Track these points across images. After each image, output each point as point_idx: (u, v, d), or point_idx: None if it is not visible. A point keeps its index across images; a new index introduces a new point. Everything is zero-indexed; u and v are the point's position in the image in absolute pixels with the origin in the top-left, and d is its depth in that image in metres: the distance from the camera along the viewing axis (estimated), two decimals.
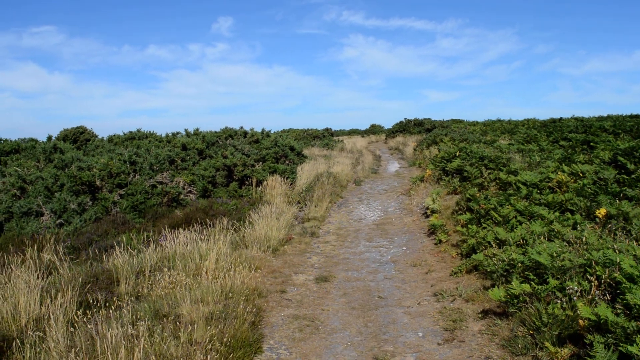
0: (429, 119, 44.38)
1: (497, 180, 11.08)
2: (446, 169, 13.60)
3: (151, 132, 20.77)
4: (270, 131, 21.20)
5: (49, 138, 21.20)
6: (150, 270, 7.30)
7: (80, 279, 6.96)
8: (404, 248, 9.38)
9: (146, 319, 5.21)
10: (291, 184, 14.89)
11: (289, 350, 5.35)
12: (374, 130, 64.34)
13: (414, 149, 27.27)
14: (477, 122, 43.01)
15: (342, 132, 67.80)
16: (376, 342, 5.46)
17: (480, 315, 5.79)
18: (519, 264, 5.98)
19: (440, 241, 9.16)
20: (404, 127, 43.94)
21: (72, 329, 5.36)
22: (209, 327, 5.18)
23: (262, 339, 5.62)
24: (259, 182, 14.24)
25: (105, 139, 21.61)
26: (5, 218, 10.80)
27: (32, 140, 17.02)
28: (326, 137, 42.09)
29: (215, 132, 19.48)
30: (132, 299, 6.44)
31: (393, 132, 44.88)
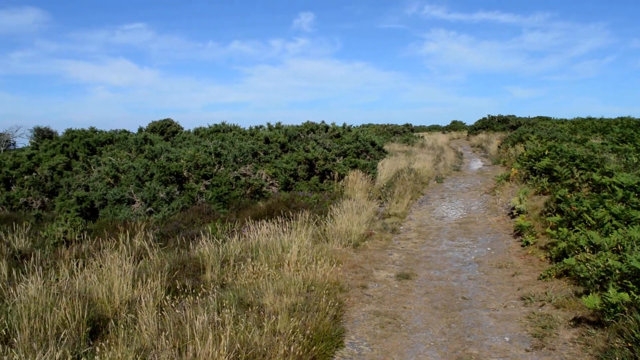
0: (513, 115, 42.89)
1: (590, 182, 10.52)
2: (534, 168, 13.07)
3: (235, 125, 21.27)
4: (351, 126, 21.18)
5: (140, 130, 22.17)
6: (234, 260, 7.46)
7: (169, 265, 7.23)
8: (489, 248, 9.09)
9: (231, 307, 5.32)
10: (372, 179, 14.81)
11: (370, 347, 5.30)
12: (455, 126, 63.00)
13: (498, 147, 26.44)
14: (566, 120, 41.10)
15: (422, 128, 66.83)
16: (460, 344, 5.32)
17: (571, 323, 5.51)
18: (617, 271, 5.64)
19: (527, 243, 8.80)
20: (487, 124, 42.71)
21: (161, 313, 5.58)
22: (291, 319, 5.22)
23: (343, 333, 5.61)
24: (340, 177, 14.26)
25: (191, 131, 22.33)
26: (100, 204, 11.39)
27: (124, 131, 17.86)
28: (406, 133, 41.63)
29: (297, 126, 19.69)
30: (217, 287, 6.61)
31: (475, 129, 43.71)
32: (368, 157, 17.34)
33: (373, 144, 18.67)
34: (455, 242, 9.66)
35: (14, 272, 7.29)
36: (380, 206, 13.02)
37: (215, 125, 21.23)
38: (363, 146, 17.34)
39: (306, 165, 14.56)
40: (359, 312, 6.28)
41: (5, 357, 4.46)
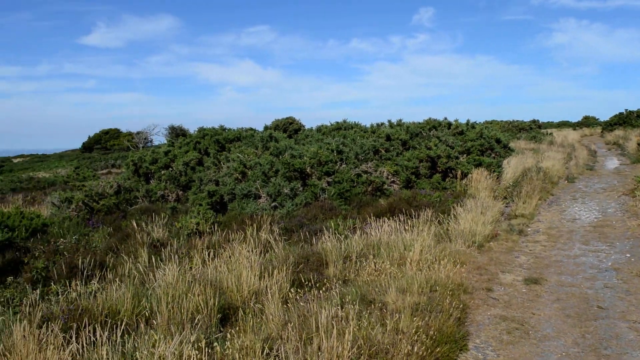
0: None
1: None
2: None
3: (356, 122, 21.41)
4: (475, 123, 20.54)
5: (266, 128, 23.01)
6: (356, 256, 7.53)
7: (293, 258, 7.45)
8: (628, 255, 8.41)
9: (354, 303, 5.37)
10: (497, 178, 14.27)
11: (496, 352, 5.12)
12: (587, 122, 59.01)
13: (638, 144, 24.38)
14: None
15: (550, 125, 63.27)
16: (596, 356, 4.97)
17: None
18: None
19: None
20: (624, 119, 39.53)
21: (286, 305, 5.76)
22: (414, 318, 5.17)
23: (467, 336, 5.46)
24: (464, 175, 13.88)
25: (313, 129, 22.81)
26: (229, 199, 11.98)
27: (251, 129, 18.64)
28: (533, 130, 39.61)
29: (419, 123, 19.42)
30: (339, 282, 6.71)
31: (611, 125, 40.62)
32: (493, 155, 16.72)
33: (498, 141, 17.97)
34: (589, 247, 9.05)
35: (153, 259, 7.87)
36: (506, 206, 12.51)
37: (337, 123, 21.51)
38: (488, 143, 16.74)
39: (428, 163, 14.33)
40: (483, 315, 6.08)
41: (146, 337, 4.83)
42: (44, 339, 4.63)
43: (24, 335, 4.62)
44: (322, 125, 22.05)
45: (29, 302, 5.95)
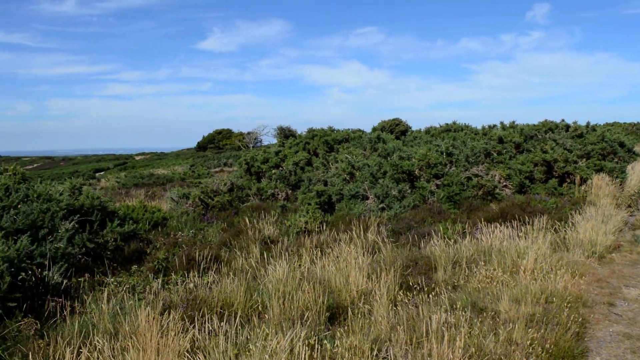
0: None
1: None
2: None
3: (466, 124, 20.89)
4: (595, 125, 19.33)
5: (374, 129, 23.05)
6: (466, 262, 7.35)
7: (400, 261, 7.41)
8: None
9: (465, 310, 5.25)
10: (620, 185, 13.35)
11: None
12: None
13: None
14: None
15: None
16: None
17: None
18: None
19: None
20: None
21: (394, 307, 5.74)
22: (529, 330, 4.97)
23: (586, 352, 5.15)
24: (583, 181, 13.11)
25: (422, 130, 22.53)
26: (337, 199, 12.12)
27: (359, 130, 18.74)
28: None
29: (533, 125, 18.61)
30: (449, 287, 6.58)
31: None
32: (616, 160, 15.65)
33: (622, 144, 16.80)
34: None
35: (265, 255, 8.14)
36: (630, 215, 11.66)
37: (446, 124, 21.11)
38: (610, 147, 15.70)
39: (543, 167, 13.68)
40: (604, 331, 5.71)
41: (258, 330, 5.00)
42: (165, 325, 4.93)
43: (148, 320, 4.95)
44: (431, 127, 21.72)
45: (152, 290, 6.38)
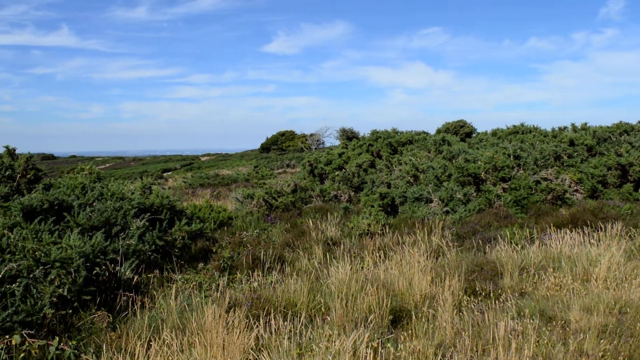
0: None
1: None
2: None
3: (535, 126, 20.28)
4: None
5: (438, 131, 22.76)
6: (534, 268, 7.14)
7: (465, 266, 7.27)
8: None
9: (533, 317, 5.10)
10: None
11: None
12: None
13: None
14: None
15: None
16: None
17: None
18: None
19: None
20: None
21: (459, 313, 5.65)
22: (601, 340, 4.77)
23: None
24: None
25: (488, 132, 22.04)
26: (400, 202, 12.04)
27: (423, 132, 18.55)
28: None
29: (607, 127, 17.85)
30: (516, 294, 6.41)
31: None
32: None
33: None
34: None
35: (327, 257, 8.19)
36: None
37: (514, 126, 20.56)
38: None
39: (618, 171, 13.10)
40: None
41: (320, 330, 5.04)
42: (230, 322, 5.05)
43: (214, 318, 5.08)
44: (498, 129, 21.21)
45: (218, 288, 6.54)
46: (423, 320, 5.48)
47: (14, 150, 8.84)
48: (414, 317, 5.53)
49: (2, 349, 4.33)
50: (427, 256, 7.55)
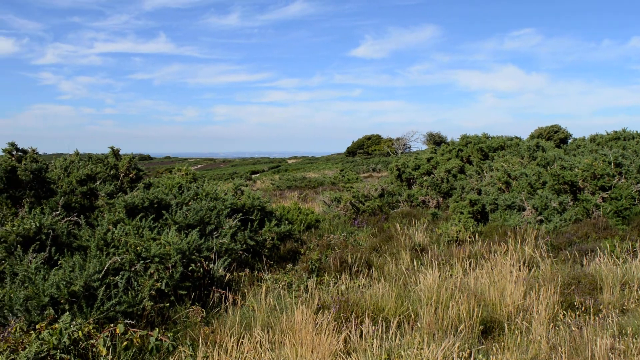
0: None
1: None
2: None
3: (638, 132, 19.09)
4: None
5: (531, 136, 21.94)
6: (637, 284, 6.72)
7: (561, 278, 6.95)
8: None
9: (636, 337, 4.81)
10: None
11: None
12: None
13: None
14: None
15: None
16: None
17: None
18: None
19: None
20: None
21: (555, 327, 5.41)
22: None
23: None
24: None
25: (586, 138, 20.99)
26: (491, 209, 11.70)
27: (516, 138, 17.93)
28: None
29: None
30: (616, 310, 6.05)
31: None
32: None
33: None
34: None
35: (415, 263, 8.10)
36: None
37: (615, 132, 19.45)
38: None
39: None
40: None
41: (409, 337, 5.00)
42: (319, 324, 5.11)
43: (303, 318, 5.16)
44: (597, 135, 20.14)
45: (306, 289, 6.64)
46: (516, 332, 5.30)
47: (118, 151, 9.39)
48: (506, 328, 5.36)
49: (107, 336, 4.60)
50: (520, 266, 7.30)
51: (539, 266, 7.75)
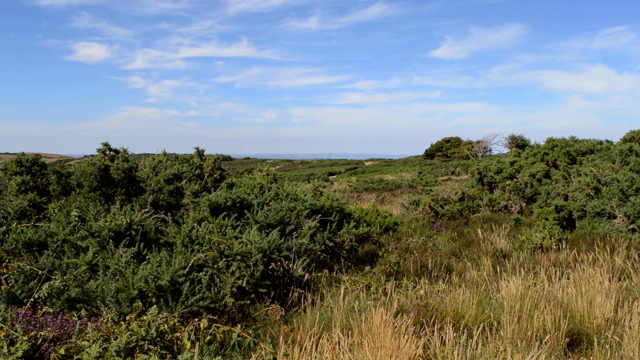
0: None
1: None
2: None
3: None
4: None
5: (624, 140, 20.80)
6: None
7: None
8: None
9: None
10: None
11: None
12: None
13: None
14: None
15: None
16: None
17: None
18: None
19: None
20: None
21: None
22: None
23: None
24: None
25: None
26: (579, 216, 11.19)
27: (607, 141, 17.04)
28: None
29: None
30: None
31: None
32: None
33: None
34: None
35: (497, 269, 7.87)
36: None
37: None
38: None
39: None
40: None
41: (491, 345, 4.86)
42: (397, 328, 5.06)
43: (382, 321, 5.13)
44: None
45: (385, 292, 6.60)
46: (606, 347, 5.03)
47: (203, 152, 9.72)
48: (595, 342, 5.11)
49: (191, 330, 4.76)
50: (610, 277, 6.93)
51: (631, 278, 7.34)
